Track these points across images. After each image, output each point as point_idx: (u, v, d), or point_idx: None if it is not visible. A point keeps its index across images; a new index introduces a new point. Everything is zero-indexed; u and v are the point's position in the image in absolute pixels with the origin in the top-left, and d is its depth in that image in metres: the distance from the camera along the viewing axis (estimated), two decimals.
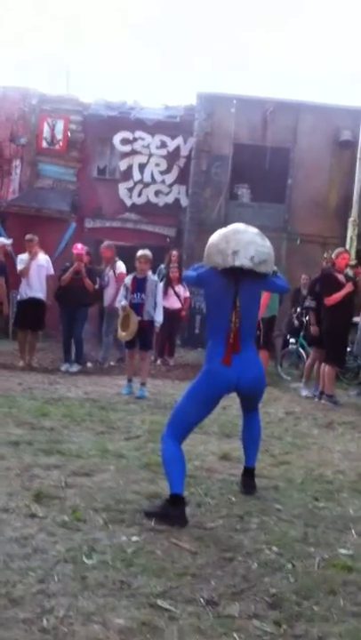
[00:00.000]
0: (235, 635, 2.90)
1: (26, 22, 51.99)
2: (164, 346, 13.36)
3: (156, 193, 19.37)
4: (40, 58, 49.38)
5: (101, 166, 19.84)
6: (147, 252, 9.56)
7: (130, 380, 9.48)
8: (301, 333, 12.13)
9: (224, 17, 52.99)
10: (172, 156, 19.29)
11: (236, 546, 3.94)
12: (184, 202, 19.17)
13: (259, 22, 54.46)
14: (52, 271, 11.69)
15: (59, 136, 19.34)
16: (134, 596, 3.19)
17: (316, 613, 3.15)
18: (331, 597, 3.34)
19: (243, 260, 4.42)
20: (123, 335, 9.46)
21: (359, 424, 8.25)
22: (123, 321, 9.45)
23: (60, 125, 19.34)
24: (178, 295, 13.19)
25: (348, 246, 15.30)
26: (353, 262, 11.85)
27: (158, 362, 12.98)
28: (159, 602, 3.14)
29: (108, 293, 11.97)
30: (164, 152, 19.29)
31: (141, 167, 19.34)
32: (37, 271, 11.47)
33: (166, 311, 10.91)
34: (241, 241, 4.47)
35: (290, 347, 12.98)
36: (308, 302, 10.59)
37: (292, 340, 12.97)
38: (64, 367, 11.21)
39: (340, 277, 9.81)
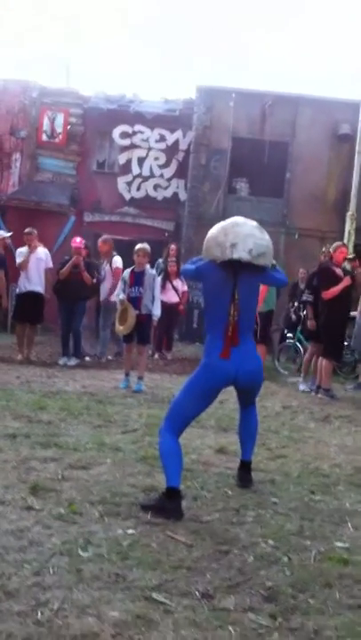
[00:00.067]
0: (230, 628, 2.90)
1: (26, 22, 51.96)
2: (162, 340, 13.36)
3: (155, 187, 19.34)
4: (40, 58, 49.39)
5: (101, 160, 19.82)
6: (145, 245, 9.55)
7: (127, 374, 9.49)
8: (299, 328, 12.14)
9: (224, 17, 53.00)
10: (171, 150, 19.27)
11: (232, 539, 3.93)
12: (183, 196, 19.15)
13: (259, 22, 54.52)
14: (50, 264, 11.69)
15: (59, 129, 19.32)
16: (129, 589, 3.18)
17: (311, 606, 3.15)
18: (327, 590, 3.33)
19: (241, 253, 4.41)
20: (120, 329, 9.44)
21: (356, 418, 8.25)
22: (121, 315, 9.44)
23: (59, 119, 19.31)
24: (176, 289, 13.19)
25: (346, 240, 15.33)
26: (351, 256, 11.84)
27: (156, 356, 12.99)
28: (154, 595, 3.14)
29: (105, 287, 11.96)
30: (163, 146, 19.27)
31: (140, 161, 19.32)
32: (36, 264, 11.47)
33: (164, 305, 10.91)
34: (240, 234, 4.46)
35: (287, 341, 12.99)
36: (306, 296, 10.57)
37: (289, 335, 12.99)
38: (62, 361, 11.21)
39: (338, 271, 9.80)
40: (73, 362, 11.18)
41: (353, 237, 16.27)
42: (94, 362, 11.69)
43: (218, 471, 5.36)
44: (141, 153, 19.31)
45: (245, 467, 5.10)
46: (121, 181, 19.36)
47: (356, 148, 16.97)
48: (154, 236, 17.39)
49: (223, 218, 4.84)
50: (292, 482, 5.23)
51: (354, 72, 47.65)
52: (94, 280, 11.57)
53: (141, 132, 19.24)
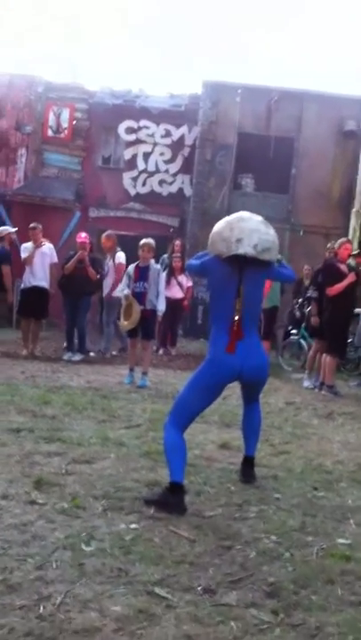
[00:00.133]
0: (232, 623, 2.90)
1: (26, 22, 51.82)
2: (167, 336, 13.37)
3: (160, 182, 19.35)
4: (40, 58, 49.31)
5: (106, 155, 19.82)
6: (150, 240, 9.55)
7: (132, 370, 9.48)
8: (303, 324, 12.12)
9: (224, 17, 52.85)
10: (177, 146, 19.26)
11: (235, 534, 3.94)
12: (188, 191, 19.14)
13: (259, 22, 54.34)
14: (55, 259, 11.68)
15: (64, 124, 19.33)
16: (132, 584, 3.19)
17: (313, 603, 3.15)
18: (329, 587, 3.33)
19: (246, 248, 4.40)
20: (125, 324, 9.45)
21: (359, 415, 8.24)
22: (125, 310, 9.44)
23: (65, 114, 19.31)
24: (180, 285, 13.19)
25: (351, 237, 15.30)
26: (356, 252, 11.81)
27: (160, 352, 12.99)
28: (156, 589, 3.14)
29: (108, 283, 11.97)
30: (168, 141, 19.26)
31: (146, 156, 19.31)
32: (41, 259, 11.47)
33: (169, 301, 10.91)
34: (245, 229, 4.45)
35: (291, 338, 12.98)
36: (311, 292, 10.56)
37: (293, 331, 12.98)
38: (67, 356, 11.22)
39: (343, 268, 9.78)
40: (77, 357, 11.19)
41: (358, 234, 16.24)
42: (99, 357, 11.69)
43: (221, 466, 5.36)
44: (147, 148, 19.31)
45: (248, 462, 5.10)
46: (126, 177, 19.36)
47: None
48: (159, 232, 17.41)
49: (228, 214, 4.84)
50: (294, 478, 5.23)
51: (355, 70, 47.56)
52: (99, 276, 11.58)
53: (147, 128, 19.23)
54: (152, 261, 9.56)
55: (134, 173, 19.37)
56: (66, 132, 19.32)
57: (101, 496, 4.37)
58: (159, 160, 19.34)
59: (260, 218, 4.63)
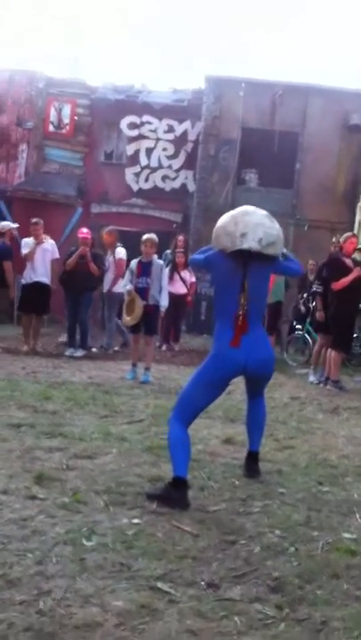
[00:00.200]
0: (236, 618, 2.86)
1: (26, 22, 51.69)
2: (170, 331, 13.32)
3: (163, 178, 19.25)
4: (40, 58, 49.23)
5: (108, 151, 19.73)
6: (152, 235, 9.50)
7: (134, 365, 9.44)
8: (308, 319, 12.07)
9: (224, 17, 52.64)
10: (180, 141, 19.16)
11: (239, 529, 3.89)
12: (191, 187, 19.06)
13: (259, 22, 54.13)
14: (57, 255, 11.63)
15: (65, 120, 19.23)
16: (134, 579, 3.14)
17: (318, 597, 3.11)
18: (334, 581, 3.29)
19: (251, 243, 4.36)
20: (128, 320, 9.40)
21: None
22: (128, 305, 9.38)
23: (66, 109, 19.22)
24: (184, 280, 13.14)
25: (356, 231, 15.20)
26: None
27: (163, 347, 12.94)
28: (159, 584, 3.10)
29: (108, 278, 11.93)
30: (171, 136, 19.16)
31: (148, 152, 19.22)
32: (42, 255, 11.42)
33: (172, 296, 10.85)
34: (249, 223, 4.41)
35: (296, 333, 12.93)
36: (316, 287, 10.49)
37: (298, 327, 12.92)
38: (69, 352, 11.17)
39: (348, 262, 9.72)
40: (80, 353, 11.14)
41: None
42: (101, 353, 11.65)
43: (225, 461, 5.31)
44: (149, 144, 19.21)
45: (253, 457, 5.05)
46: (129, 172, 19.27)
47: None
48: (162, 228, 17.29)
49: (232, 209, 4.78)
50: (299, 472, 5.19)
51: (356, 68, 47.39)
52: (100, 271, 11.54)
53: (149, 123, 19.13)
54: (155, 257, 9.51)
55: (137, 169, 19.29)
56: (67, 127, 19.24)
57: (103, 491, 4.33)
58: (162, 155, 19.24)
59: (264, 212, 4.60)
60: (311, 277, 12.59)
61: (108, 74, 42.25)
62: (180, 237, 13.65)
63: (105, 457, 5.16)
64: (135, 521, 3.88)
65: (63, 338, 12.32)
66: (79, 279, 11.08)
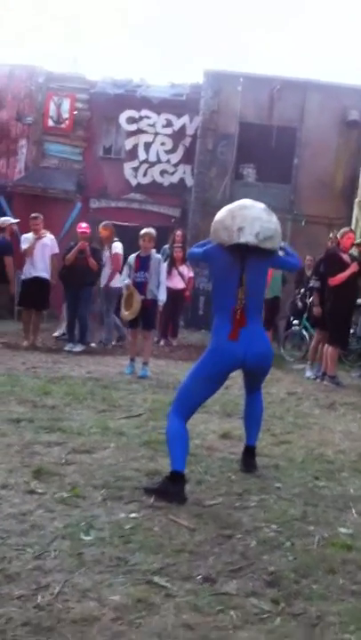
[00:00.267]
0: (232, 612, 2.88)
1: (26, 22, 51.55)
2: (168, 326, 13.33)
3: (162, 173, 19.26)
4: (40, 58, 49.11)
5: (107, 145, 19.73)
6: (150, 230, 9.50)
7: (132, 360, 9.46)
8: (305, 315, 12.08)
9: (224, 17, 52.53)
10: (178, 135, 19.17)
11: (235, 523, 3.91)
12: (189, 182, 19.07)
13: (259, 22, 54.06)
14: (56, 250, 11.63)
15: (65, 115, 19.23)
16: (131, 573, 3.17)
17: (314, 592, 3.13)
18: (330, 576, 3.31)
19: (248, 237, 4.37)
20: (126, 314, 9.41)
21: None
22: (126, 300, 9.40)
23: (65, 104, 19.21)
24: (182, 275, 13.15)
25: (353, 227, 15.21)
26: (358, 242, 11.74)
27: (161, 342, 12.96)
28: (156, 579, 3.12)
29: (105, 273, 11.94)
30: (169, 131, 19.17)
31: (147, 146, 19.22)
32: (41, 250, 11.42)
33: (170, 291, 10.87)
34: (247, 217, 4.42)
35: (293, 328, 12.95)
36: (313, 283, 10.50)
37: (295, 322, 12.94)
38: (68, 347, 11.18)
39: (345, 257, 9.73)
40: (79, 348, 11.15)
41: None
42: (100, 348, 11.67)
43: (222, 456, 5.34)
44: (148, 138, 19.22)
45: (250, 452, 5.07)
46: (127, 167, 19.28)
47: None
48: (160, 222, 17.28)
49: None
50: (296, 467, 5.21)
51: (356, 66, 47.36)
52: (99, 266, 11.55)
53: (148, 117, 19.13)
54: (153, 251, 9.51)
55: (135, 164, 19.30)
56: (67, 122, 19.24)
57: (101, 485, 4.35)
58: (160, 150, 19.25)
59: (262, 205, 4.59)
60: (308, 273, 12.63)
61: (107, 73, 42.17)
62: (179, 232, 13.66)
63: (103, 451, 5.18)
64: (133, 515, 3.90)
65: (57, 332, 12.36)
66: (78, 274, 11.09)
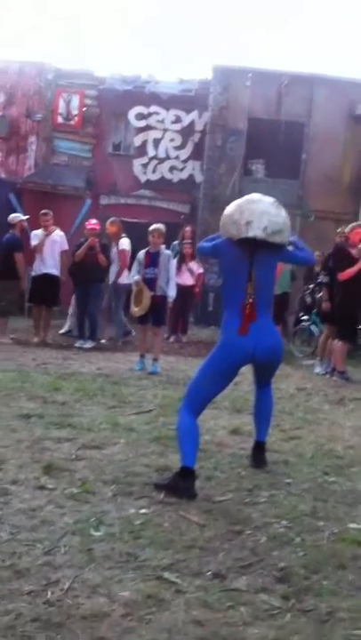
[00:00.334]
0: (242, 609, 2.88)
1: (26, 22, 51.43)
2: (178, 323, 13.32)
3: (171, 169, 19.21)
4: (40, 58, 48.97)
5: (116, 142, 19.68)
6: (160, 226, 9.50)
7: (143, 356, 9.47)
8: (314, 310, 12.05)
9: (224, 17, 52.27)
10: (187, 131, 19.10)
11: (245, 519, 3.91)
12: (198, 178, 19.01)
13: (259, 22, 53.77)
14: (66, 247, 11.65)
15: (74, 111, 19.19)
16: (141, 569, 3.17)
17: (324, 588, 3.13)
18: (340, 572, 3.31)
19: (256, 231, 4.36)
20: (135, 310, 9.41)
21: None
22: (136, 296, 9.40)
23: (75, 101, 19.17)
24: (191, 271, 13.13)
25: None
26: None
27: (171, 339, 12.95)
28: (166, 574, 3.13)
29: (113, 270, 11.94)
30: (178, 127, 19.10)
31: (156, 142, 19.17)
32: (51, 247, 11.45)
33: (179, 287, 10.86)
34: (255, 211, 4.41)
35: (302, 324, 12.92)
36: (322, 278, 10.47)
37: (304, 318, 12.91)
38: (78, 343, 11.20)
39: (354, 252, 9.69)
40: (89, 344, 11.17)
41: None
42: (110, 344, 11.69)
43: (231, 452, 5.34)
44: (157, 134, 19.16)
45: (259, 447, 5.08)
46: (137, 163, 19.24)
47: None
48: (170, 219, 17.24)
49: None
50: (305, 463, 5.21)
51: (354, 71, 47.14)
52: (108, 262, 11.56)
53: (157, 114, 19.07)
54: (162, 247, 9.51)
55: (144, 160, 19.25)
56: (76, 118, 19.21)
57: (111, 481, 4.36)
58: (169, 146, 19.20)
59: (270, 199, 4.58)
60: (317, 268, 12.56)
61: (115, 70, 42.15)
62: (188, 228, 13.64)
63: (113, 447, 5.19)
64: (143, 511, 3.91)
65: (64, 329, 12.40)
66: (88, 270, 11.10)
